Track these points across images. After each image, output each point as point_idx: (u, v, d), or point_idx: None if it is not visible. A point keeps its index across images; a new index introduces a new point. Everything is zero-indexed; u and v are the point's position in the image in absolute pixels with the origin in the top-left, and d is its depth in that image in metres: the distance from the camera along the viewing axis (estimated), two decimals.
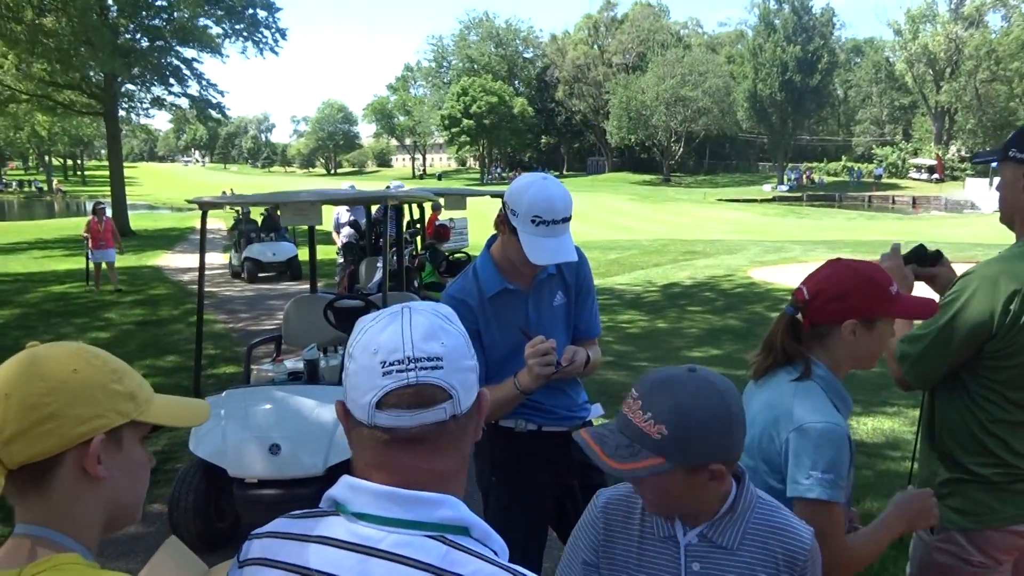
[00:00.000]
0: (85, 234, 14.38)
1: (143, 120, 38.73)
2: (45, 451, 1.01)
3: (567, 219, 2.32)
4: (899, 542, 3.69)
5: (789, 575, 1.54)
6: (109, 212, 16.19)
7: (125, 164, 30.40)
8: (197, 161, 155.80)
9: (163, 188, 72.19)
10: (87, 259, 14.60)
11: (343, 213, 12.20)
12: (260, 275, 16.13)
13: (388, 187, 9.95)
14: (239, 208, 17.26)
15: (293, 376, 4.93)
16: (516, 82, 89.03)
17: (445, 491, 1.05)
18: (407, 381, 1.01)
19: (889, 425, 6.12)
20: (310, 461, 4.13)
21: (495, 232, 2.49)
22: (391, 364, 1.01)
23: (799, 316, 1.92)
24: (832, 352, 1.89)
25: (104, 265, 14.46)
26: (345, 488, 1.05)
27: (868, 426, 6.13)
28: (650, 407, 1.45)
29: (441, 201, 7.56)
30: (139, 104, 30.79)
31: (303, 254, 15.05)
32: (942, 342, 2.11)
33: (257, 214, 18.96)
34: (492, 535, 1.06)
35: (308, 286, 6.51)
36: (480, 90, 76.84)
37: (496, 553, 1.05)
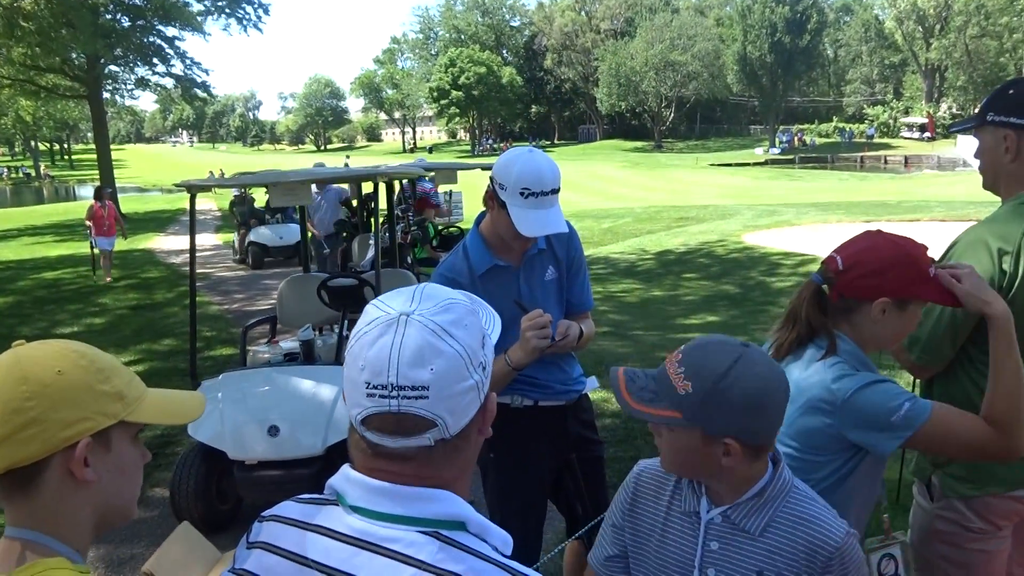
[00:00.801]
0: (88, 222, 13.77)
1: (128, 102, 38.25)
2: (29, 456, 0.98)
3: (556, 191, 2.31)
4: (903, 509, 3.72)
5: (809, 568, 1.49)
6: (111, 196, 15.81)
7: (112, 147, 30.14)
8: (185, 142, 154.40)
9: (152, 170, 71.65)
10: (92, 247, 13.92)
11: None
12: (266, 260, 14.96)
13: (345, 164, 9.76)
14: (241, 188, 15.93)
15: (289, 357, 4.93)
16: (504, 51, 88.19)
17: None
18: (388, 409, 0.97)
19: None
20: (309, 441, 4.14)
21: (484, 209, 2.47)
22: (374, 387, 0.97)
23: (826, 287, 1.85)
24: (859, 329, 1.83)
25: (107, 253, 13.93)
26: (343, 479, 1.04)
27: None
28: (687, 363, 1.46)
29: (429, 175, 7.50)
30: (123, 85, 30.51)
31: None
32: (950, 318, 2.05)
33: (261, 193, 17.89)
34: (490, 529, 1.03)
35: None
36: (468, 61, 76.11)
37: (496, 548, 1.02)
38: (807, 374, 1.81)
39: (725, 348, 1.46)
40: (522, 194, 2.25)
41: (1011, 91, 2.08)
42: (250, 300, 11.81)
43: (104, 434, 1.03)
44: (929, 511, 2.25)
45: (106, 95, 29.69)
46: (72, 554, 1.02)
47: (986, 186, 2.21)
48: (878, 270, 1.78)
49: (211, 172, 41.98)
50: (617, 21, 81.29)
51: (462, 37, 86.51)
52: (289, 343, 5.28)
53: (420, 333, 0.98)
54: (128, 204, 31.18)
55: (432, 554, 0.96)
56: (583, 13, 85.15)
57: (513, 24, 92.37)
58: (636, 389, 1.52)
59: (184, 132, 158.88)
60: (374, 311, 1.02)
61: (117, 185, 28.62)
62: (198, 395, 1.21)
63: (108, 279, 13.54)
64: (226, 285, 13.26)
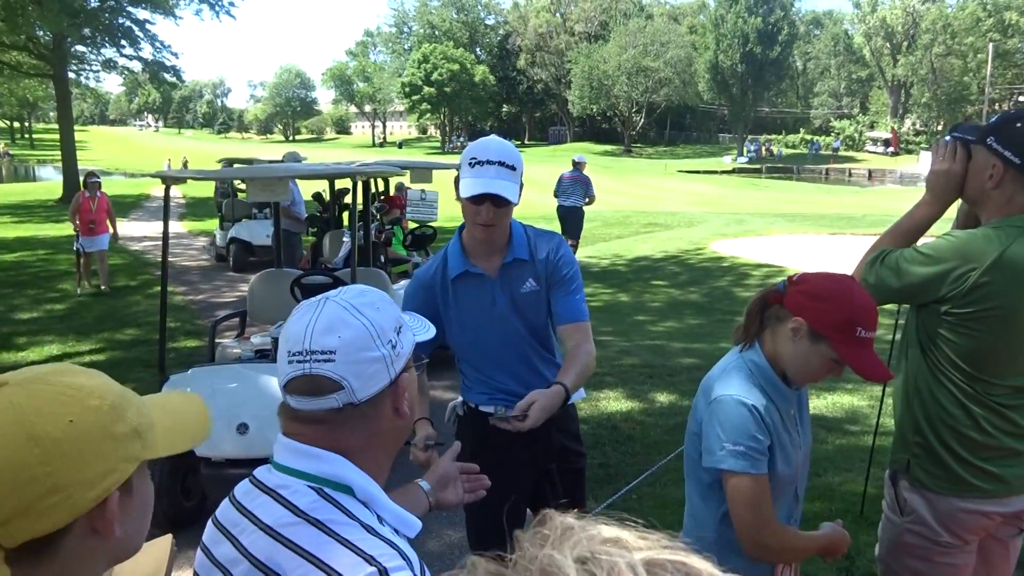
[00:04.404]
0: (75, 219, 10.93)
1: (93, 83, 37.32)
2: (53, 526, 0.84)
3: (503, 163, 2.28)
4: (867, 523, 3.78)
5: None
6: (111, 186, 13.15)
7: (75, 128, 29.45)
8: (150, 126, 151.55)
9: (115, 153, 70.22)
10: (78, 253, 10.98)
11: None
12: (250, 260, 13.05)
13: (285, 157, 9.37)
14: (224, 181, 14.69)
15: (260, 353, 4.87)
16: (478, 49, 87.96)
17: (349, 460, 1.16)
18: (302, 371, 1.14)
19: (848, 400, 6.26)
20: None
21: None
22: (293, 354, 1.15)
23: (777, 293, 1.95)
24: (777, 341, 1.91)
25: (94, 255, 11.17)
26: (277, 442, 1.22)
27: (828, 400, 6.26)
28: None
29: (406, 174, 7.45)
30: (89, 66, 29.81)
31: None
32: (903, 272, 2.17)
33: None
34: (380, 501, 1.17)
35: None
36: (441, 57, 75.79)
37: (381, 519, 1.15)
38: (714, 371, 1.97)
39: None
40: (470, 164, 2.29)
41: (1019, 124, 2.11)
42: (215, 292, 11.63)
43: (127, 480, 0.91)
44: (898, 525, 2.30)
45: (72, 75, 28.99)
46: None
47: (965, 198, 2.26)
48: (817, 295, 1.85)
49: (167, 160, 40.97)
50: (591, 24, 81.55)
51: (436, 33, 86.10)
52: (260, 339, 5.21)
53: (334, 309, 1.16)
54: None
55: (307, 503, 1.12)
56: (558, 15, 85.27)
57: (488, 22, 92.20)
58: None
59: (149, 116, 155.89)
60: (306, 303, 1.20)
61: (79, 167, 27.96)
62: (196, 402, 1.10)
63: (104, 287, 11.14)
64: (189, 275, 13.02)
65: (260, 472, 1.22)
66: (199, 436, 1.05)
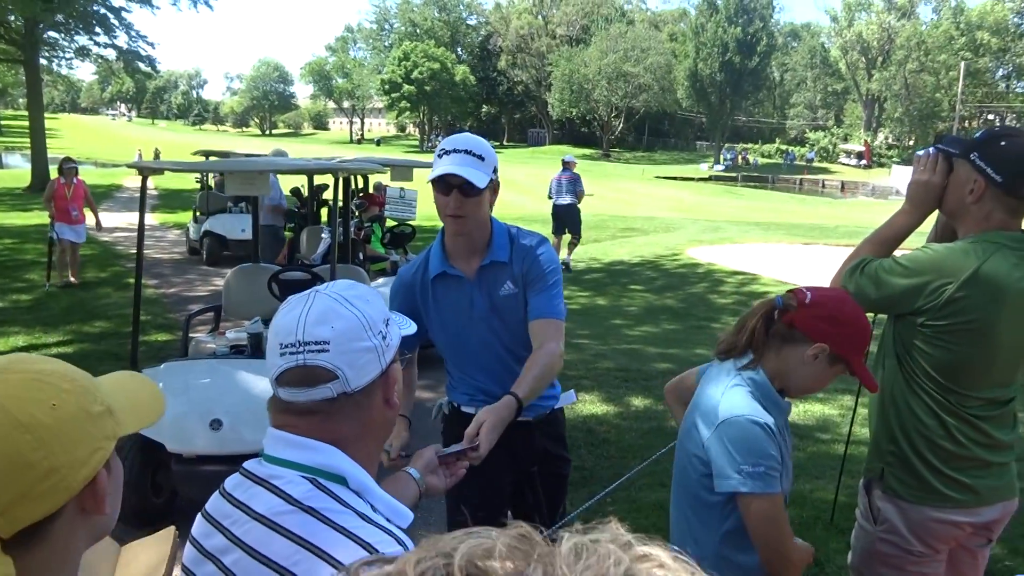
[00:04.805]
0: (49, 204, 10.43)
1: (65, 70, 36.75)
2: (48, 510, 0.86)
3: (469, 151, 2.24)
4: (837, 531, 3.83)
5: None
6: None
7: (46, 115, 28.95)
8: (123, 115, 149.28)
9: (87, 142, 69.05)
10: (51, 241, 10.41)
11: None
12: (224, 254, 12.78)
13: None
14: (202, 173, 14.26)
15: (236, 349, 4.81)
16: (459, 49, 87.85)
17: (341, 451, 1.17)
18: (296, 362, 1.15)
19: (819, 408, 6.32)
20: (253, 437, 4.03)
21: None
22: (285, 346, 1.16)
23: (777, 312, 1.94)
24: (784, 360, 1.92)
25: (69, 246, 10.61)
26: (266, 435, 1.22)
27: (799, 409, 6.32)
28: None
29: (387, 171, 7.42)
30: (62, 53, 29.31)
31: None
32: (881, 283, 2.19)
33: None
34: (373, 491, 1.18)
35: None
36: (422, 55, 75.57)
37: (374, 508, 1.16)
38: (713, 389, 1.93)
39: None
40: (438, 156, 2.28)
41: (1002, 143, 2.14)
42: (187, 285, 11.49)
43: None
44: (871, 533, 2.33)
45: (43, 62, 28.50)
46: None
47: (944, 210, 2.28)
48: (838, 319, 1.88)
49: (139, 151, 40.25)
50: (573, 28, 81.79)
51: (417, 31, 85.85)
52: (235, 334, 5.15)
53: (325, 301, 1.18)
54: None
55: (302, 492, 1.13)
56: (540, 17, 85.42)
57: (469, 22, 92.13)
58: None
59: (123, 105, 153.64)
60: (293, 297, 1.22)
61: (49, 155, 27.47)
62: (147, 382, 1.11)
63: (74, 279, 10.64)
64: (160, 267, 12.82)
65: (250, 464, 1.23)
66: (158, 412, 1.09)
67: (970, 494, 2.19)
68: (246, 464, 1.24)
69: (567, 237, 13.31)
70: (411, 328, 1.38)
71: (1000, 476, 2.24)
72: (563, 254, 13.20)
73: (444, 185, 2.24)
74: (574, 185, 13.02)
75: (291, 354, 1.15)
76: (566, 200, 12.96)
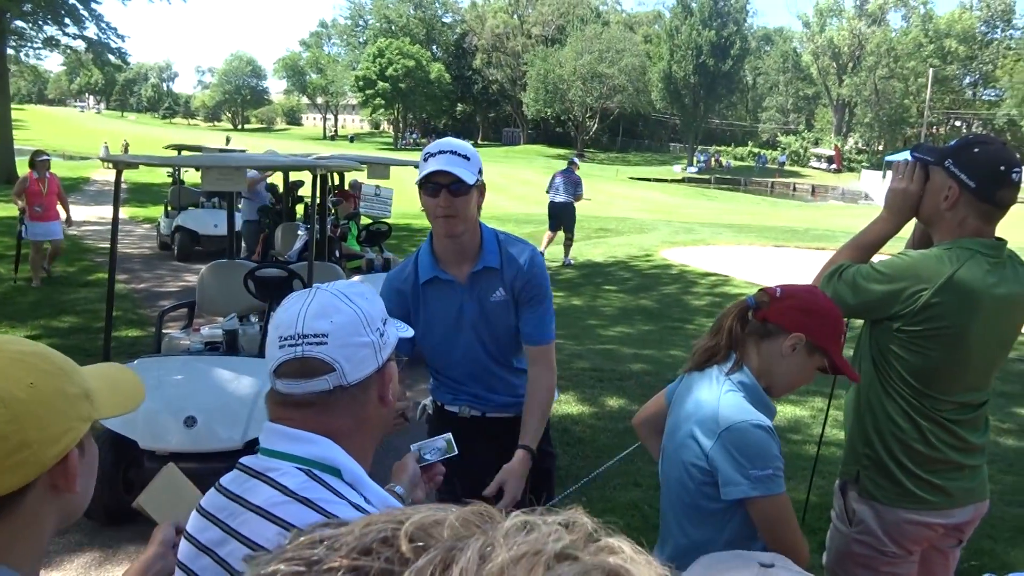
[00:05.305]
0: (18, 201, 9.87)
1: (33, 61, 36.02)
2: (19, 483, 0.90)
3: (455, 152, 2.28)
4: (808, 531, 3.89)
5: None
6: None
7: (12, 106, 28.37)
8: (92, 107, 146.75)
9: (54, 134, 67.78)
10: (19, 237, 9.97)
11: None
12: (196, 249, 12.65)
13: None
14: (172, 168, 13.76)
15: (210, 345, 4.76)
16: (434, 47, 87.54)
17: (336, 443, 1.19)
18: (294, 354, 1.18)
19: (791, 410, 6.39)
20: (227, 434, 4.01)
21: None
22: (284, 339, 1.18)
23: (751, 311, 1.97)
24: (764, 357, 1.94)
25: (46, 244, 10.29)
26: (264, 429, 1.24)
27: None
28: None
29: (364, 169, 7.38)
30: (30, 43, 28.72)
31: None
32: (859, 289, 2.22)
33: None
34: (366, 483, 1.20)
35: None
36: (397, 53, 75.21)
37: (368, 500, 1.18)
38: (706, 397, 1.92)
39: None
40: (424, 159, 2.30)
41: (976, 150, 2.18)
42: (159, 281, 11.35)
43: (80, 440, 0.98)
44: (846, 535, 2.37)
45: (10, 51, 27.92)
46: None
47: (920, 218, 2.33)
48: (811, 310, 1.92)
49: (105, 144, 39.50)
50: (548, 28, 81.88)
51: (392, 28, 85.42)
52: (210, 330, 5.09)
53: (326, 297, 1.20)
54: (27, 169, 29.39)
55: (297, 484, 1.15)
56: (515, 16, 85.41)
57: (445, 20, 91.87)
58: None
59: (91, 97, 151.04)
60: (294, 294, 1.25)
61: (15, 147, 26.93)
62: (127, 371, 1.15)
63: (43, 274, 10.29)
64: (130, 263, 12.64)
65: (247, 460, 1.25)
66: (137, 400, 1.12)
67: (943, 496, 2.24)
68: (242, 460, 1.26)
69: (561, 235, 13.93)
70: (408, 332, 1.41)
71: (972, 478, 2.29)
72: (560, 254, 14.03)
73: (433, 186, 2.25)
74: (575, 186, 13.65)
75: (290, 346, 1.17)
76: (562, 198, 13.52)
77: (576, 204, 13.84)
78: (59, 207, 10.30)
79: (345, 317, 1.18)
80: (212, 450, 3.98)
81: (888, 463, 2.25)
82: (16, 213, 10.23)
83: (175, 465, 1.68)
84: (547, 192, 13.91)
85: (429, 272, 2.44)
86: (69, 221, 10.79)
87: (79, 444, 0.97)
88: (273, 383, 1.22)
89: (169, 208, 14.22)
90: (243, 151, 15.70)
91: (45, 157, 10.19)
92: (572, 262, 14.19)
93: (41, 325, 8.25)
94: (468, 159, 2.28)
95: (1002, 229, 2.24)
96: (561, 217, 13.69)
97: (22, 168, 27.59)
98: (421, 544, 0.42)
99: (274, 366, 1.20)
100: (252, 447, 3.94)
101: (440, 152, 2.27)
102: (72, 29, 26.26)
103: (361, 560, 0.41)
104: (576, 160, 14.51)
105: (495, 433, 2.54)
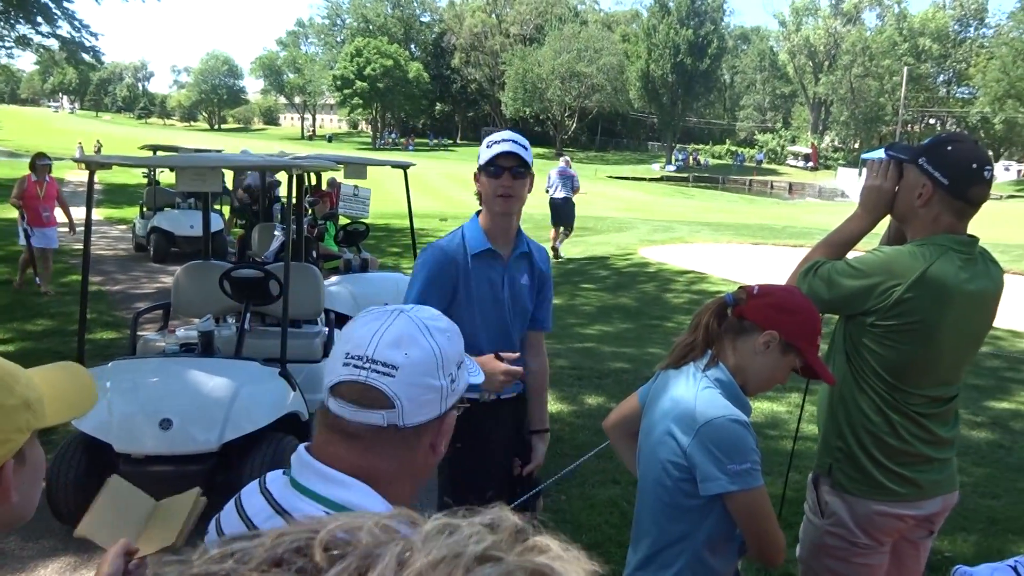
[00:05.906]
0: (17, 201, 9.47)
1: (4, 59, 35.54)
2: None
3: (516, 141, 2.56)
4: (785, 525, 3.93)
5: None
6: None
7: None
8: (67, 107, 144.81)
9: (27, 134, 66.83)
10: (28, 242, 9.51)
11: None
12: (172, 250, 12.51)
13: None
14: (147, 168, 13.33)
15: (186, 347, 4.71)
16: (412, 46, 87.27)
17: (373, 488, 1.09)
18: (357, 377, 1.07)
19: (768, 406, 6.45)
20: (203, 437, 3.97)
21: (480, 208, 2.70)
22: (351, 357, 1.08)
23: (730, 308, 1.99)
24: (740, 353, 1.96)
25: (40, 254, 9.75)
26: (295, 455, 1.15)
27: None
28: None
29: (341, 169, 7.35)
30: (1, 43, 28.31)
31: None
32: (834, 284, 2.26)
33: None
34: None
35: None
36: (375, 52, 74.91)
37: None
38: (683, 394, 1.93)
39: None
40: (487, 146, 2.57)
41: (949, 148, 2.21)
42: (134, 283, 11.23)
43: (19, 449, 0.96)
44: (819, 527, 2.40)
45: None
46: None
47: (895, 215, 2.36)
48: (786, 308, 1.94)
49: (80, 144, 39.05)
50: (527, 27, 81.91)
51: (370, 27, 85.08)
52: (185, 332, 5.05)
53: (407, 324, 1.10)
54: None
55: None
56: (494, 15, 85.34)
57: (423, 19, 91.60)
58: None
59: (65, 97, 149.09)
60: (375, 308, 1.16)
61: None
62: (82, 373, 1.12)
63: (46, 290, 9.71)
64: (104, 264, 12.50)
65: (275, 487, 1.15)
66: (87, 405, 1.08)
67: (913, 488, 2.27)
68: (271, 486, 1.16)
69: (563, 228, 14.69)
70: (479, 377, 1.35)
71: (941, 471, 2.33)
72: (554, 243, 14.54)
73: (496, 168, 2.52)
74: (571, 181, 14.42)
75: (355, 367, 1.08)
76: (562, 194, 14.25)
77: (574, 199, 14.60)
78: (56, 213, 9.91)
79: (422, 354, 1.08)
80: (188, 452, 3.95)
81: (859, 456, 2.28)
82: (15, 215, 10.00)
83: (119, 477, 1.59)
84: (546, 191, 14.32)
85: (481, 244, 2.62)
86: (72, 229, 10.41)
87: (20, 454, 0.95)
88: (326, 399, 1.12)
89: (144, 209, 14.06)
90: (219, 151, 15.59)
91: (47, 161, 9.80)
92: (563, 257, 14.58)
93: (14, 328, 8.14)
94: (526, 149, 2.57)
95: (974, 226, 2.27)
96: (561, 212, 14.42)
97: None
98: (337, 552, 0.41)
99: (333, 381, 1.10)
100: (227, 449, 3.91)
101: (504, 140, 2.55)
102: (45, 28, 25.89)
103: (271, 572, 0.40)
104: (567, 157, 15.54)
105: (507, 414, 2.75)
